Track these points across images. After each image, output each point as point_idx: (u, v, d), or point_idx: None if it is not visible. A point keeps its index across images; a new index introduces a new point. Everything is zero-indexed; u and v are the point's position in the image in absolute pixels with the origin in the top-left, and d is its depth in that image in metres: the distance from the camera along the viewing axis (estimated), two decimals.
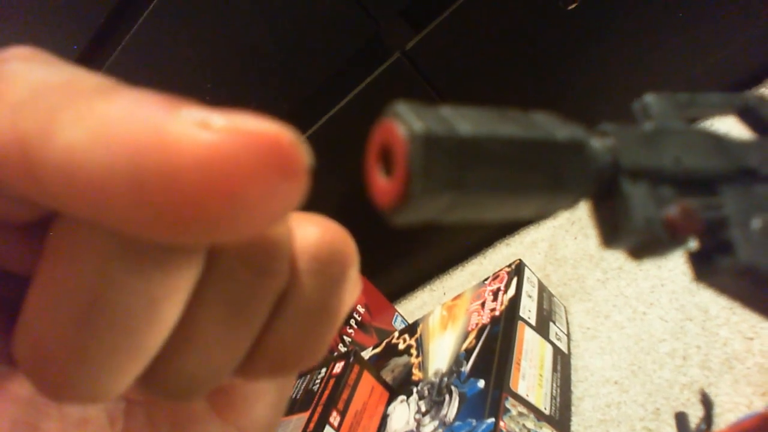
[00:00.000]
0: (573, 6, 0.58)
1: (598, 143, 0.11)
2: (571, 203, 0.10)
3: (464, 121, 0.09)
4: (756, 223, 0.12)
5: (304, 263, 0.12)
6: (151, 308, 0.10)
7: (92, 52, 0.75)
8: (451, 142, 0.09)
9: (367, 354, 0.61)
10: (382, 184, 0.09)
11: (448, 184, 0.09)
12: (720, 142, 0.12)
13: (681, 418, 0.31)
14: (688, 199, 0.11)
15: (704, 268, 0.12)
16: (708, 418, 0.29)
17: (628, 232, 0.10)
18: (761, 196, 0.12)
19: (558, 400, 0.44)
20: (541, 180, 0.10)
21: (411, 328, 0.59)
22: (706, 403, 0.30)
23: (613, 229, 0.11)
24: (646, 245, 0.11)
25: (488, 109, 0.10)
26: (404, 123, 0.09)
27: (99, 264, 0.09)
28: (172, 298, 0.10)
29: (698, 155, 0.12)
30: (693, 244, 0.11)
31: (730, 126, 0.14)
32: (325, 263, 0.12)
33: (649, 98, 0.12)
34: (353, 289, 0.13)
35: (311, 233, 0.12)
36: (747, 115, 0.14)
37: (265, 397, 0.15)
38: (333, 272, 0.12)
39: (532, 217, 0.10)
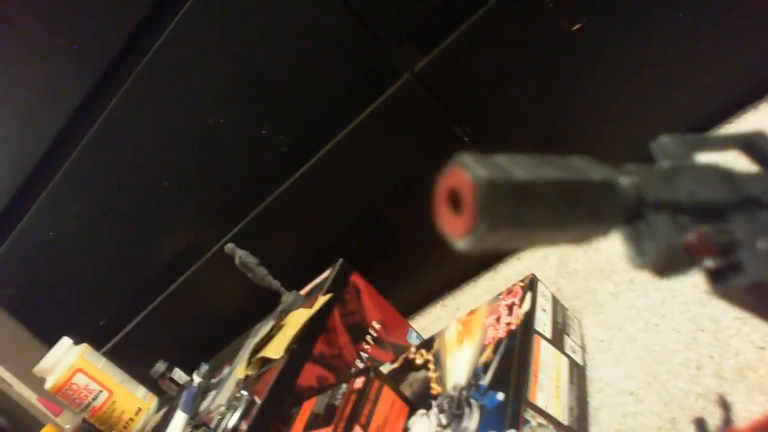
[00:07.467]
0: (577, 27, 0.60)
1: (625, 181, 0.13)
2: (604, 232, 0.12)
3: (518, 168, 0.11)
4: (762, 244, 0.13)
5: None
6: None
7: (107, 82, 0.78)
8: (509, 186, 0.11)
9: (384, 369, 0.63)
10: (451, 220, 0.11)
11: (507, 220, 0.11)
12: (727, 175, 0.14)
13: (701, 424, 0.32)
14: (703, 225, 0.13)
15: (718, 285, 0.14)
16: (727, 419, 0.30)
17: (654, 255, 0.12)
18: (765, 221, 0.14)
19: (576, 411, 0.45)
20: (582, 214, 0.12)
21: (427, 343, 0.60)
22: (725, 405, 0.32)
23: (641, 253, 0.13)
24: (669, 265, 0.13)
25: (534, 156, 0.12)
26: (470, 171, 0.11)
27: None
28: None
29: (709, 188, 0.14)
30: (708, 263, 0.13)
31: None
32: None
33: (664, 139, 0.14)
34: None
35: None
36: (750, 150, 0.16)
37: None
38: None
39: (571, 243, 0.12)
